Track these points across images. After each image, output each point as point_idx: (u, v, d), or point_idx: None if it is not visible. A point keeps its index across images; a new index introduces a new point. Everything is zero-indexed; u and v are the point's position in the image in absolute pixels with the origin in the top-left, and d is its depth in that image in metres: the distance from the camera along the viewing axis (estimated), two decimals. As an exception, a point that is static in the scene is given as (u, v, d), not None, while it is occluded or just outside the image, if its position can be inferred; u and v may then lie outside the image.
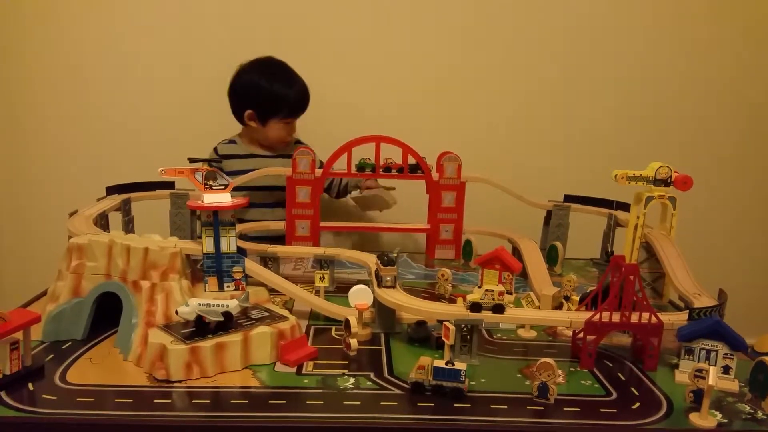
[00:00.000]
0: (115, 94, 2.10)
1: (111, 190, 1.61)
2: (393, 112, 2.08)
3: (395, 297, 1.11)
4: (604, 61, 2.12)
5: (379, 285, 1.15)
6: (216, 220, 1.14)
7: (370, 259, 1.29)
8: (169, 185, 1.66)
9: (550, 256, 1.63)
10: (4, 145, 2.15)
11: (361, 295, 1.13)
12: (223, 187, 1.16)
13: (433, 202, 1.68)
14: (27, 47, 2.07)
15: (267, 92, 1.84)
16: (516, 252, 1.61)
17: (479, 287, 1.08)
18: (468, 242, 1.67)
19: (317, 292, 1.29)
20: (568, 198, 1.76)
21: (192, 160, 1.18)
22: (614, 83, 2.14)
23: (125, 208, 1.58)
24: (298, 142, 2.09)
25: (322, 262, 1.35)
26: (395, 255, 1.16)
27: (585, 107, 2.16)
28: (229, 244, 1.16)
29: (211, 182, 1.16)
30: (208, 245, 1.15)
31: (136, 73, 2.09)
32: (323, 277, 1.32)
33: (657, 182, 1.40)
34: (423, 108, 2.13)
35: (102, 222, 1.43)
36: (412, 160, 1.64)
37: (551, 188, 1.80)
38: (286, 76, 1.88)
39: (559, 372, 0.95)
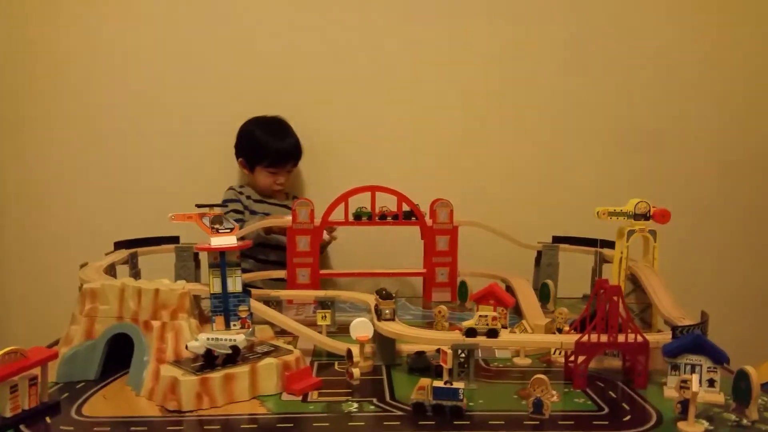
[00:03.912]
0: (123, 154, 2.20)
1: (119, 245, 1.68)
2: (387, 162, 2.19)
3: (394, 328, 1.16)
4: (588, 111, 2.26)
5: (379, 318, 1.20)
6: (223, 261, 1.21)
7: (370, 299, 1.35)
8: (174, 240, 1.73)
9: (543, 294, 1.69)
10: (16, 203, 2.23)
11: (362, 328, 1.18)
12: (228, 230, 1.24)
13: (427, 246, 1.76)
14: (32, 103, 2.18)
15: (254, 140, 2.05)
16: (509, 290, 1.67)
17: (474, 319, 1.13)
18: (463, 284, 1.74)
19: (320, 331, 1.34)
20: (556, 239, 1.84)
21: (200, 206, 1.26)
22: (597, 131, 2.27)
23: (132, 262, 1.65)
24: (295, 197, 2.19)
25: (323, 303, 1.41)
26: (394, 293, 1.23)
27: (569, 154, 2.28)
28: (235, 283, 1.22)
29: (217, 226, 1.24)
30: (215, 285, 1.21)
31: (141, 133, 2.19)
32: (325, 316, 1.37)
33: (637, 216, 1.48)
34: (415, 158, 2.23)
35: (110, 274, 1.48)
36: (406, 207, 1.73)
37: (541, 229, 1.88)
38: (277, 129, 2.06)
39: (553, 392, 1.00)
